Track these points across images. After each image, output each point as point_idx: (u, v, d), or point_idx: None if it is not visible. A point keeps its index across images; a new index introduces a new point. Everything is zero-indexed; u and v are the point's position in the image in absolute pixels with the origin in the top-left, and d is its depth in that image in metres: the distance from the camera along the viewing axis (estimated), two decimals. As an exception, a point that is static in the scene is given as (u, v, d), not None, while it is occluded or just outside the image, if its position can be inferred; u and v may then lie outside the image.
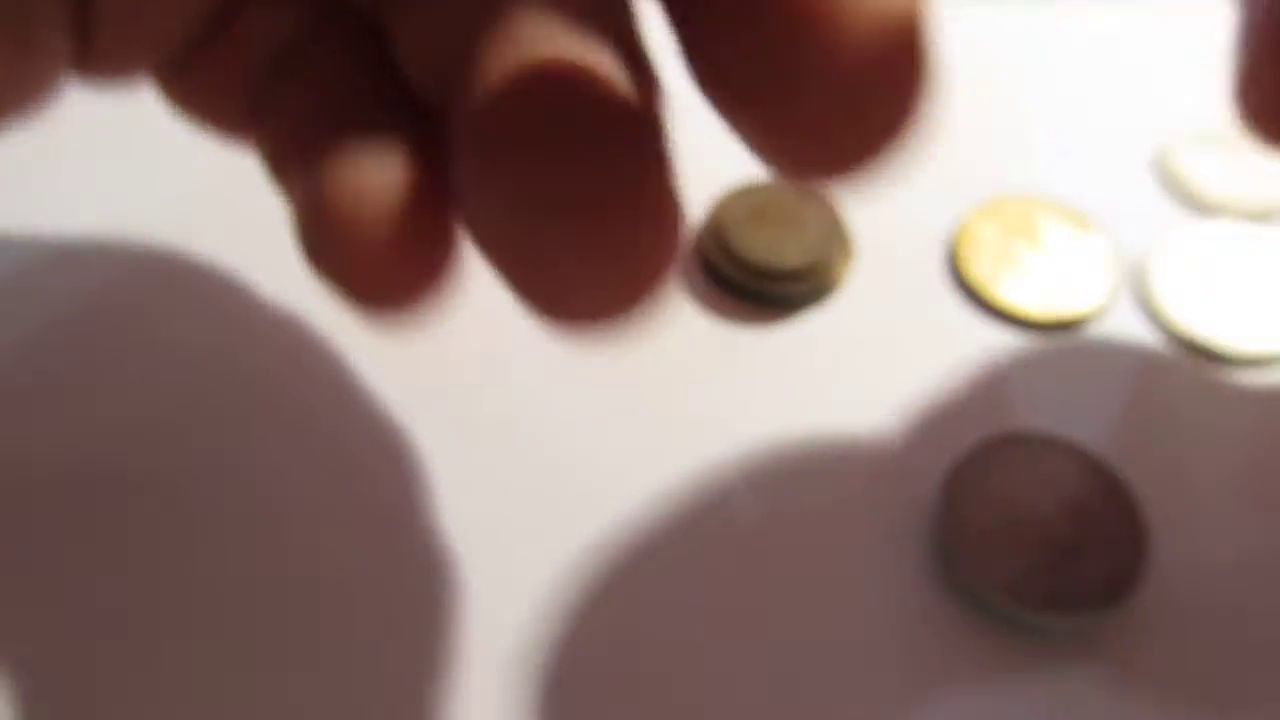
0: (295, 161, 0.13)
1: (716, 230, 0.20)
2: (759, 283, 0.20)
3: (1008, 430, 0.17)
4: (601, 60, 0.11)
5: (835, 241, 0.20)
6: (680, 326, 0.20)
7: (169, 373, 0.18)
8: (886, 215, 0.21)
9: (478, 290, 0.20)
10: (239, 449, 0.17)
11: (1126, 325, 0.20)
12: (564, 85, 0.11)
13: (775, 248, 0.20)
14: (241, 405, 0.18)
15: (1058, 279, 0.20)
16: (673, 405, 0.18)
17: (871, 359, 0.19)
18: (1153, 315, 0.20)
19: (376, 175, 0.12)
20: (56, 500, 0.17)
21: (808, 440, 0.18)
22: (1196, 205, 0.22)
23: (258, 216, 0.20)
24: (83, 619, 0.16)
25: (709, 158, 0.22)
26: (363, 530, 0.17)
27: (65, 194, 0.20)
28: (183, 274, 0.19)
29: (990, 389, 0.19)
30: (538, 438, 0.18)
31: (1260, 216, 0.22)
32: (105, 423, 0.17)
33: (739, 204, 0.20)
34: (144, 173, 0.21)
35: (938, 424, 0.18)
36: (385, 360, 0.19)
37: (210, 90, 0.14)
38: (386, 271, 0.12)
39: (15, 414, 0.17)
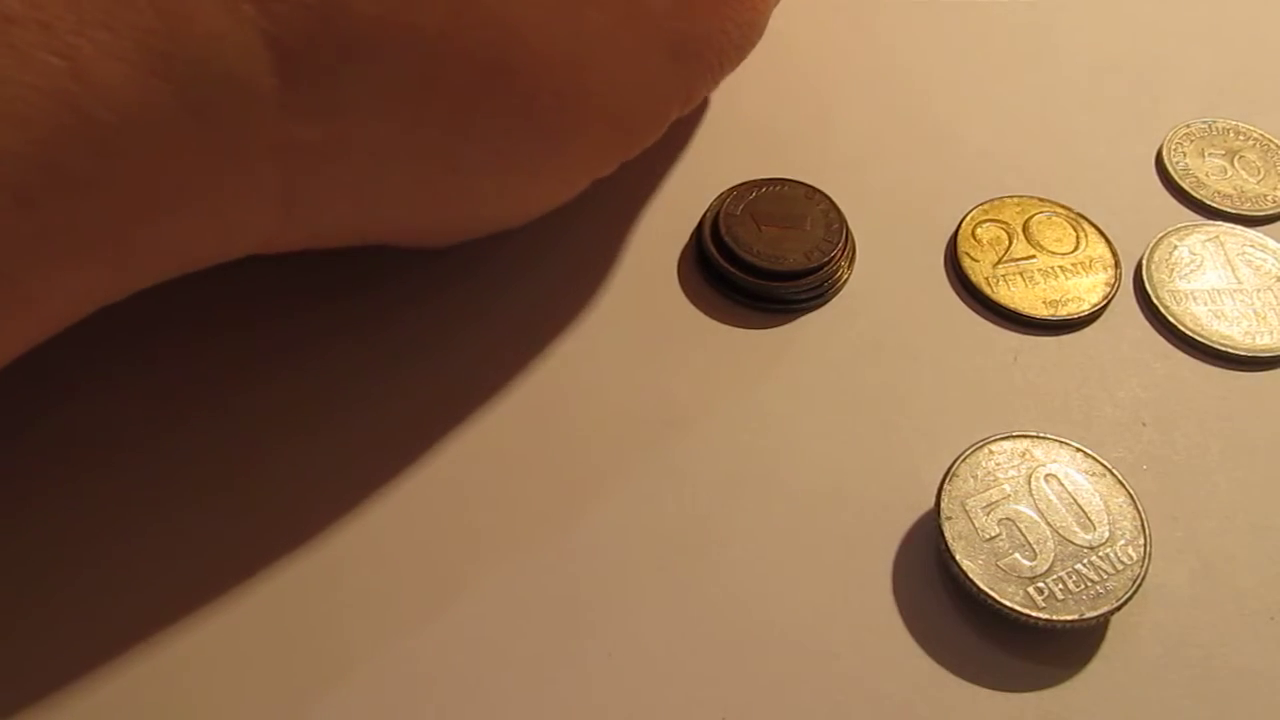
0: None
1: (716, 230, 0.20)
2: (759, 283, 0.20)
3: (1007, 430, 0.17)
4: None
5: (836, 241, 0.20)
6: (680, 326, 0.20)
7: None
8: (887, 215, 0.21)
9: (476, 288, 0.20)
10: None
11: (1126, 325, 0.20)
12: None
13: (776, 248, 0.20)
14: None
15: (1058, 279, 0.20)
16: (673, 405, 0.18)
17: (872, 359, 0.19)
18: (1153, 315, 0.20)
19: None
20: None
21: (808, 440, 0.18)
22: (1196, 205, 0.22)
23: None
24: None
25: (709, 157, 0.22)
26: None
27: None
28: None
29: (990, 389, 0.19)
30: (537, 435, 0.18)
31: (1260, 216, 0.22)
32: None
33: (739, 204, 0.20)
34: None
35: (938, 424, 0.18)
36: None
37: None
38: None
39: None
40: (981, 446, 0.17)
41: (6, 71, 0.10)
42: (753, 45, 0.18)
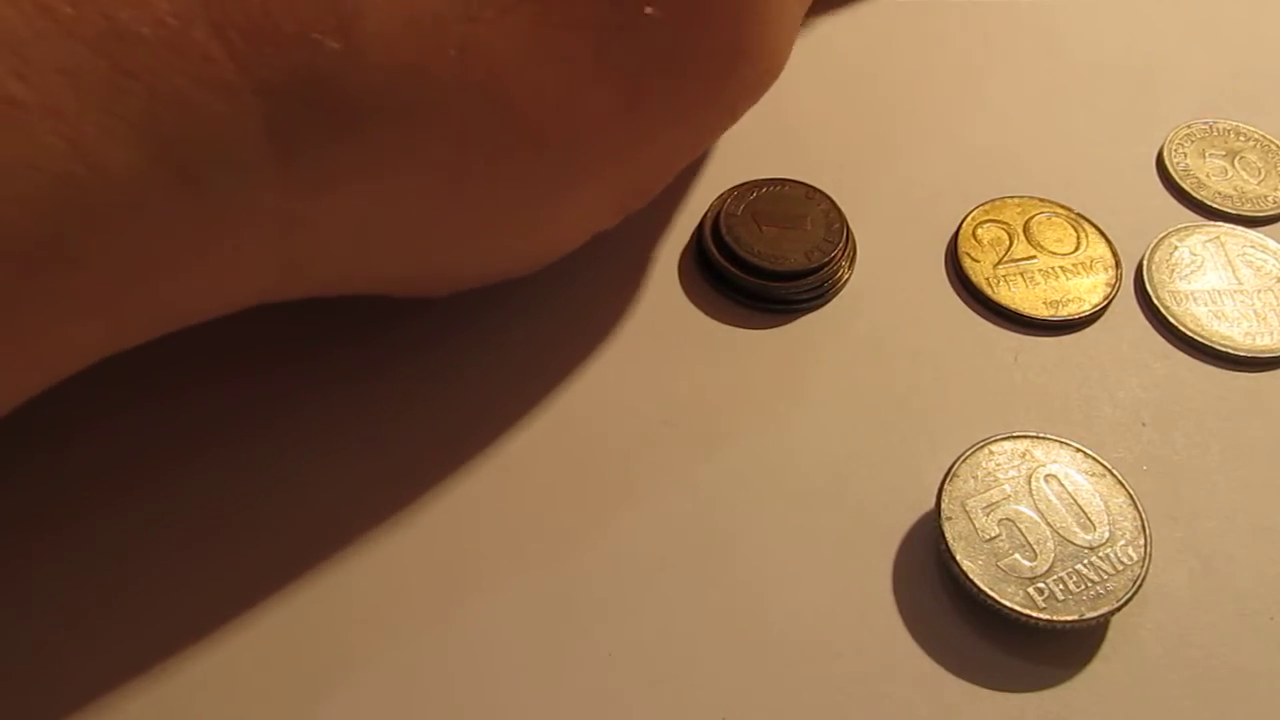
0: None
1: (717, 230, 0.20)
2: (759, 283, 0.20)
3: (1008, 430, 0.17)
4: None
5: (836, 241, 0.20)
6: (680, 326, 0.20)
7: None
8: (887, 215, 0.21)
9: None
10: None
11: (1127, 325, 0.20)
12: None
13: (776, 248, 0.20)
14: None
15: (1058, 279, 0.20)
16: (672, 405, 0.18)
17: (872, 359, 0.19)
18: (1153, 315, 0.20)
19: None
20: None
21: (808, 440, 0.18)
22: (1197, 206, 0.22)
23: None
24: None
25: (709, 157, 0.22)
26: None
27: None
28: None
29: (990, 389, 0.19)
30: (534, 435, 0.18)
31: (1260, 217, 0.22)
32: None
33: (740, 204, 0.20)
34: None
35: (938, 424, 0.18)
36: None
37: None
38: None
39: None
40: (982, 447, 0.17)
41: (13, 153, 0.10)
42: (770, 83, 0.17)
